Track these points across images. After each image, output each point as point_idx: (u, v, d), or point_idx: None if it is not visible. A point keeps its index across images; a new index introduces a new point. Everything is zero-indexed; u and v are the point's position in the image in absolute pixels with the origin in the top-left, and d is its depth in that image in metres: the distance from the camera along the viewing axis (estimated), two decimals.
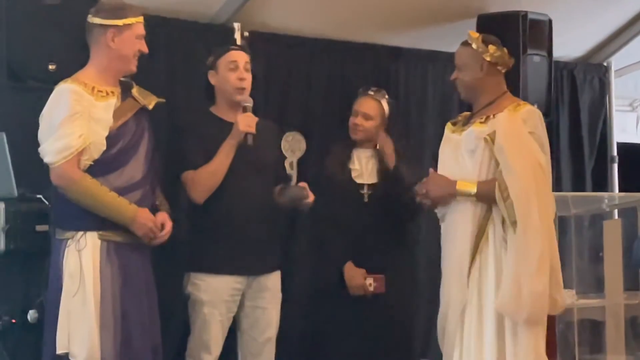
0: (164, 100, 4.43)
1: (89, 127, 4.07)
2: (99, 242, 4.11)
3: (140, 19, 4.24)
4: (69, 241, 4.11)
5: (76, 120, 4.04)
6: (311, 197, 4.65)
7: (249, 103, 4.62)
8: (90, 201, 4.09)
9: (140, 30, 4.23)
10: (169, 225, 4.27)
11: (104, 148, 4.11)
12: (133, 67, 4.25)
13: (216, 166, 4.53)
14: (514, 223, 4.15)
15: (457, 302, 4.25)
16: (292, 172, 4.58)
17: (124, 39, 4.18)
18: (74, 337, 4.04)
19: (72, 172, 4.05)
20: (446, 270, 4.35)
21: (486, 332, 4.20)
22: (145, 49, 4.25)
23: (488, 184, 4.21)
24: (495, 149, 4.22)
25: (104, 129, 4.12)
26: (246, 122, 4.54)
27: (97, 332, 4.04)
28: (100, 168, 4.11)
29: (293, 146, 4.60)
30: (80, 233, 4.10)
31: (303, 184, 4.62)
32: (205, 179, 4.54)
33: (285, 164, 4.57)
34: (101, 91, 4.15)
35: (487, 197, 4.20)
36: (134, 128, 4.23)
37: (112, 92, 4.19)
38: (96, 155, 4.10)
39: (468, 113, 4.50)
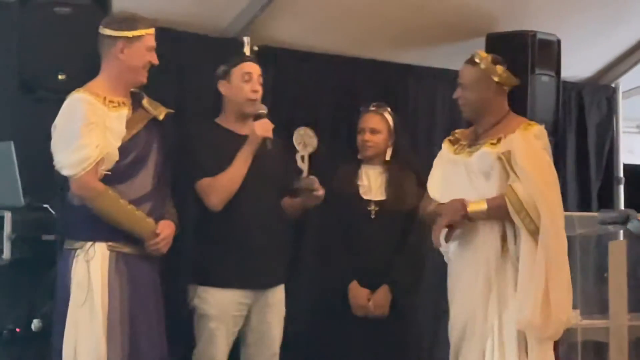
0: (172, 110, 4.44)
1: (104, 137, 4.07)
2: (107, 252, 4.11)
3: (151, 30, 4.24)
4: (78, 251, 4.11)
5: (92, 130, 4.04)
6: (321, 191, 4.64)
7: (264, 110, 4.63)
8: (112, 213, 4.10)
9: (151, 42, 4.24)
10: (164, 232, 4.23)
11: (117, 159, 4.11)
12: (143, 79, 4.25)
13: (235, 172, 4.53)
14: (534, 232, 4.12)
15: (483, 322, 4.21)
16: (304, 165, 4.61)
17: (133, 51, 4.18)
18: (81, 348, 4.03)
19: (94, 183, 4.05)
20: (465, 292, 4.27)
21: (508, 353, 4.16)
22: (156, 61, 4.26)
23: (497, 199, 4.19)
24: (516, 169, 4.18)
25: (116, 139, 4.12)
26: (263, 128, 4.55)
27: (105, 343, 4.03)
28: (111, 179, 4.10)
29: (305, 140, 4.65)
30: (89, 243, 4.10)
31: (313, 178, 4.63)
32: (224, 185, 4.52)
33: (297, 157, 4.59)
34: (113, 101, 4.15)
35: (499, 210, 4.18)
36: (145, 139, 4.24)
37: (124, 103, 4.20)
38: (109, 166, 4.10)
39: (468, 132, 4.48)
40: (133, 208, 4.14)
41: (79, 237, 4.13)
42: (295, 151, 4.62)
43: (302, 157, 4.63)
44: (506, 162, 4.20)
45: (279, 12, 5.48)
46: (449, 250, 4.41)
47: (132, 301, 4.13)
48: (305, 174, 4.61)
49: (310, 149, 4.63)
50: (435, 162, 4.50)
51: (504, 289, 4.20)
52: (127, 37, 4.18)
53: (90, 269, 4.07)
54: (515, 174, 4.17)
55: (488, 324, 4.20)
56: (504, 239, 4.22)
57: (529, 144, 4.24)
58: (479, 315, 4.22)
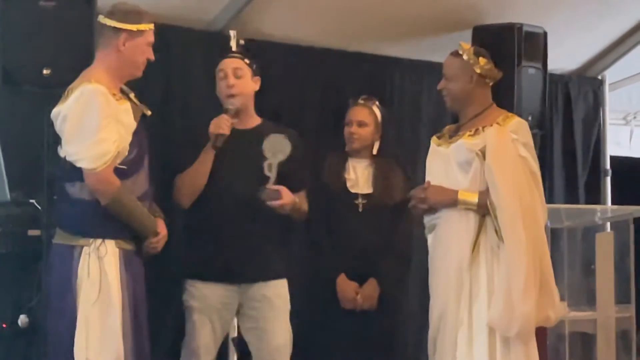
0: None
1: (117, 131, 4.00)
2: (117, 250, 4.05)
3: (152, 26, 4.18)
4: (85, 248, 4.01)
5: (110, 124, 3.97)
6: (284, 200, 4.54)
7: (231, 106, 4.59)
8: (126, 209, 4.04)
9: (151, 37, 4.18)
10: (163, 231, 4.23)
11: (127, 153, 4.05)
12: (139, 74, 4.19)
13: (193, 171, 4.52)
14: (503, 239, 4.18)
15: (455, 315, 4.25)
16: (270, 174, 4.52)
17: (135, 45, 4.11)
18: (95, 345, 3.95)
19: (112, 177, 3.99)
20: (440, 283, 4.33)
21: (477, 346, 4.21)
22: (152, 57, 4.20)
23: (488, 195, 4.23)
24: (485, 166, 4.24)
25: (128, 133, 4.06)
26: (215, 124, 4.52)
27: (122, 340, 3.98)
28: (121, 174, 4.04)
29: (275, 147, 4.55)
30: (99, 240, 4.02)
31: (279, 187, 4.54)
32: (184, 183, 4.54)
33: (264, 165, 4.53)
34: (115, 94, 4.08)
35: (487, 207, 4.22)
36: (141, 135, 4.17)
37: (122, 97, 4.13)
38: (118, 161, 4.03)
39: (453, 125, 4.52)
40: (141, 205, 4.10)
41: (86, 233, 4.03)
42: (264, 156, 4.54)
43: (270, 165, 4.53)
44: (482, 158, 4.24)
45: (265, 5, 5.46)
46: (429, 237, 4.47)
47: (135, 298, 4.09)
48: (270, 183, 4.53)
49: (280, 157, 4.53)
50: (427, 159, 4.54)
51: (476, 284, 4.24)
52: (131, 31, 4.10)
53: (105, 266, 3.99)
54: None
55: (459, 317, 4.24)
56: (478, 233, 4.24)
57: (501, 144, 4.26)
58: (452, 308, 4.26)
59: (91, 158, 3.95)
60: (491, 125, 4.31)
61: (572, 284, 6.17)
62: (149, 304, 4.25)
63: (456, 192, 4.29)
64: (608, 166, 7.24)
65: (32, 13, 4.44)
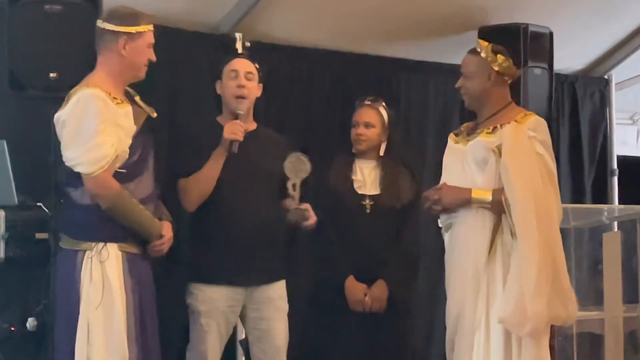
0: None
1: (116, 134, 4.01)
2: (120, 253, 4.05)
3: (151, 27, 4.19)
4: (88, 252, 4.02)
5: (107, 128, 3.97)
6: (312, 219, 4.62)
7: (242, 111, 4.60)
8: (126, 212, 4.05)
9: (151, 38, 4.19)
10: (168, 233, 4.23)
11: (127, 157, 4.06)
12: (142, 75, 4.20)
13: (203, 175, 4.51)
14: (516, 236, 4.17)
15: (472, 315, 4.24)
16: (294, 194, 4.55)
17: (135, 47, 4.12)
18: (100, 350, 3.95)
19: (110, 181, 3.99)
20: (457, 283, 4.31)
21: (494, 345, 4.19)
22: (154, 58, 4.20)
23: (502, 193, 4.21)
24: (500, 164, 4.22)
25: (128, 136, 4.06)
26: (231, 130, 4.51)
27: (126, 344, 3.98)
28: (121, 178, 4.04)
29: (296, 167, 4.56)
30: (101, 244, 4.03)
31: (306, 206, 4.59)
32: (193, 187, 4.53)
33: (288, 185, 4.55)
34: (116, 98, 4.08)
35: (500, 206, 4.21)
36: (144, 137, 4.18)
37: (123, 100, 4.13)
38: (119, 164, 4.04)
39: (471, 123, 4.51)
40: (144, 208, 4.10)
41: (88, 237, 4.04)
42: (286, 177, 4.56)
43: (294, 185, 4.55)
44: (499, 155, 4.23)
45: (271, 8, 5.47)
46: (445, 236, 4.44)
47: (141, 301, 4.08)
48: (295, 202, 4.55)
49: (302, 175, 4.56)
50: (444, 157, 4.53)
51: (492, 284, 4.22)
52: (130, 33, 4.11)
53: (107, 270, 3.99)
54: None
55: (477, 318, 4.23)
56: (494, 233, 4.23)
57: (518, 142, 4.24)
58: (469, 308, 4.24)
59: (88, 163, 3.96)
60: (509, 123, 4.30)
61: (579, 284, 6.15)
62: (156, 308, 4.26)
63: (469, 191, 4.27)
64: (615, 166, 7.23)
65: (38, 17, 4.45)
